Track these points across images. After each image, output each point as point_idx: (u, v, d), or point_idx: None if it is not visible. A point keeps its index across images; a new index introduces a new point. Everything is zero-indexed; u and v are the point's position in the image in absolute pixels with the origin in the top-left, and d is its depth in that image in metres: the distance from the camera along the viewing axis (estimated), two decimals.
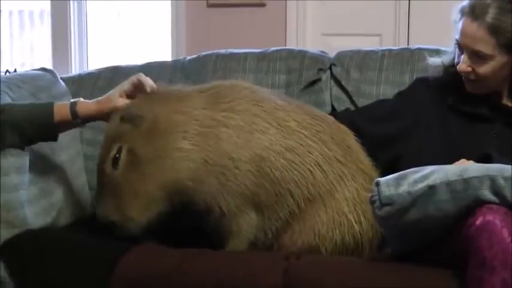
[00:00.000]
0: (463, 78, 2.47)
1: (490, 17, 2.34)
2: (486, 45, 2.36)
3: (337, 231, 2.35)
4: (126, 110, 2.36)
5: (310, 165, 2.36)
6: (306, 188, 2.35)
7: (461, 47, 2.42)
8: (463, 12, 2.41)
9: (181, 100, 2.38)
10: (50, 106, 2.48)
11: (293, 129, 2.38)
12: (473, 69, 2.41)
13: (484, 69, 2.39)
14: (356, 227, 2.35)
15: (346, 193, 2.37)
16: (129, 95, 2.45)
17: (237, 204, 2.33)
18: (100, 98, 2.50)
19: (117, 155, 2.32)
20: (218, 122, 2.33)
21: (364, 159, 2.46)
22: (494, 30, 2.34)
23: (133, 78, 2.46)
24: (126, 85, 2.47)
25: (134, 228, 2.35)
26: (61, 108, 2.47)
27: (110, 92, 2.49)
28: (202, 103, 2.37)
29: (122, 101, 2.44)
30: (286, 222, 2.39)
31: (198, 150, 2.30)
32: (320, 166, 2.37)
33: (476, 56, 2.39)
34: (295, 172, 2.34)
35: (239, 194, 2.32)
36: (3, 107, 2.46)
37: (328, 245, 2.35)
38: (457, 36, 2.43)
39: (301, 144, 2.37)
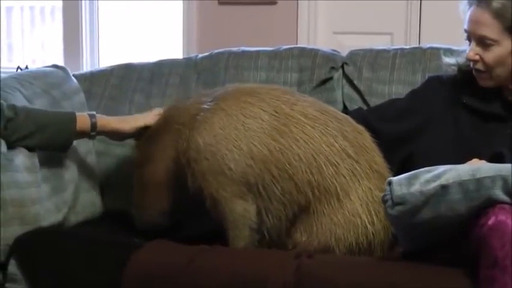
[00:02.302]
0: (474, 72, 2.48)
1: (494, 1, 2.37)
2: (491, 30, 2.38)
3: (352, 233, 2.35)
4: None
5: (314, 152, 2.37)
6: (311, 174, 2.36)
7: (469, 35, 2.45)
8: (470, 3, 2.44)
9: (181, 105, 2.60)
10: (72, 114, 2.55)
11: (293, 117, 2.41)
12: (480, 58, 2.42)
13: (491, 56, 2.40)
14: (369, 227, 2.36)
15: (360, 192, 2.37)
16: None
17: (224, 187, 2.39)
18: (120, 118, 2.68)
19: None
20: (200, 109, 2.47)
21: (379, 160, 2.45)
22: (498, 14, 2.36)
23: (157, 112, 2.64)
24: (149, 117, 2.64)
25: (147, 219, 2.63)
26: (81, 118, 2.55)
27: (131, 116, 2.70)
28: (200, 100, 2.53)
29: (143, 121, 2.63)
30: (298, 218, 2.40)
31: (174, 143, 2.51)
32: (326, 157, 2.37)
33: (483, 43, 2.40)
34: (292, 155, 2.37)
35: (221, 173, 2.39)
36: (28, 109, 2.52)
37: (341, 246, 2.36)
38: (465, 26, 2.45)
39: (303, 132, 2.39)
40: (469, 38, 2.46)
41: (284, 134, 2.38)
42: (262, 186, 2.39)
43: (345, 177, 2.37)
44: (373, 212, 2.36)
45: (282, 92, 2.52)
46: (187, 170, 2.45)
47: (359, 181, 2.38)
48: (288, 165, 2.37)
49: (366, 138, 2.47)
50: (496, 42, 2.39)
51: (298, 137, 2.38)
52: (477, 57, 2.43)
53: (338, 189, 2.36)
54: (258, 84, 2.66)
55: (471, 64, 2.47)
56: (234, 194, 2.39)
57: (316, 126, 2.40)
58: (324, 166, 2.36)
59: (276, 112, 2.42)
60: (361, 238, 2.35)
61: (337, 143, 2.39)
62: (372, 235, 2.36)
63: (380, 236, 2.37)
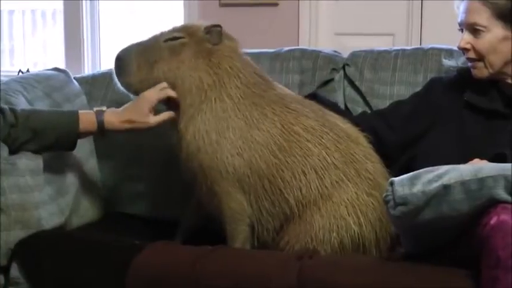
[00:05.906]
0: (469, 65, 2.50)
1: None
2: (481, 16, 2.42)
3: (335, 234, 2.38)
4: None
5: (306, 168, 2.41)
6: (298, 189, 2.40)
7: (461, 27, 2.48)
8: None
9: None
10: (74, 115, 2.49)
11: (295, 132, 2.44)
12: (472, 47, 2.45)
13: (482, 43, 2.43)
14: (355, 228, 2.38)
15: (345, 197, 2.40)
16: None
17: (218, 183, 2.42)
18: (128, 110, 2.48)
19: None
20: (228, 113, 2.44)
21: (372, 168, 2.47)
22: (487, 0, 2.40)
23: (161, 95, 2.46)
24: (154, 102, 2.46)
25: None
26: (86, 117, 2.48)
27: (138, 104, 2.48)
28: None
29: (154, 120, 2.47)
30: (281, 226, 2.44)
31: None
32: (315, 170, 2.41)
33: (474, 31, 2.44)
34: (287, 171, 2.40)
35: (218, 171, 2.41)
36: (28, 113, 2.47)
37: (326, 247, 2.37)
38: (458, 19, 2.49)
39: (300, 147, 2.42)
40: (462, 31, 2.49)
41: (283, 150, 2.42)
42: (254, 198, 2.43)
43: (326, 187, 2.40)
44: (360, 215, 2.38)
45: (294, 101, 2.54)
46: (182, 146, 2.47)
47: (344, 188, 2.41)
48: (280, 180, 2.41)
49: (360, 147, 2.49)
50: (486, 28, 2.42)
51: (295, 153, 2.42)
52: (468, 45, 2.46)
53: (320, 197, 2.40)
54: (276, 89, 2.58)
55: (463, 53, 2.50)
56: (228, 191, 2.43)
57: (312, 139, 2.44)
58: (311, 181, 2.40)
59: (283, 127, 2.44)
60: (347, 239, 2.37)
61: (328, 155, 2.42)
62: (358, 236, 2.38)
63: (370, 238, 2.39)
